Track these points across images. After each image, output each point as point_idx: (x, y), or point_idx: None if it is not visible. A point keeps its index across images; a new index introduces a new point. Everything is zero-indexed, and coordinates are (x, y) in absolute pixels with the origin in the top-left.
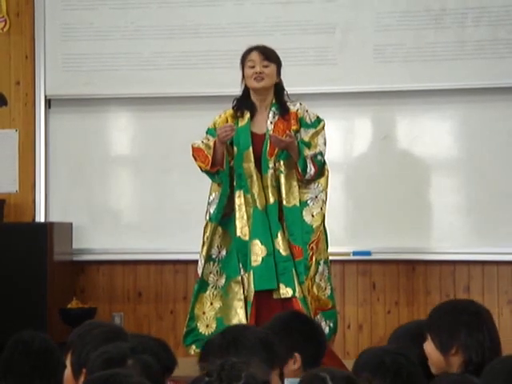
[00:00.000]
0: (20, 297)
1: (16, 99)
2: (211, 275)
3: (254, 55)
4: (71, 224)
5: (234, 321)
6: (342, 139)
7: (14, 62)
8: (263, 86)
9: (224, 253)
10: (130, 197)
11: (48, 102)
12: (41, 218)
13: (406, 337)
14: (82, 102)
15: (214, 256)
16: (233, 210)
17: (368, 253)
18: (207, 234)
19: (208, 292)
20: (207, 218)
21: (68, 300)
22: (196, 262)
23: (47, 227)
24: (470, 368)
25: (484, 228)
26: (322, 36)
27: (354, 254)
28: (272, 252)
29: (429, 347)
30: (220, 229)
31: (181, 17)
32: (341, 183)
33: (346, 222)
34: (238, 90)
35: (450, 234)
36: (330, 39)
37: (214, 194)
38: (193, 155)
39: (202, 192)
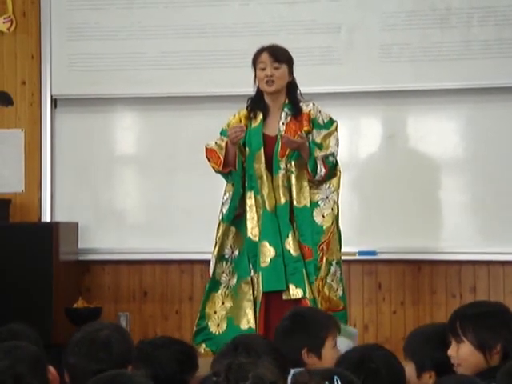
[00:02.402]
0: (26, 296)
1: (22, 99)
2: (224, 275)
3: (265, 57)
4: (77, 224)
5: (243, 321)
6: (348, 139)
7: (19, 61)
8: (275, 90)
9: (237, 253)
10: (136, 196)
11: (54, 102)
12: (46, 217)
13: (423, 340)
14: (88, 102)
15: (226, 256)
16: (245, 210)
17: (374, 253)
18: (219, 233)
19: (220, 291)
20: (220, 217)
21: (74, 300)
22: (201, 261)
23: (53, 227)
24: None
25: (490, 228)
26: (328, 36)
27: (360, 253)
28: (281, 253)
29: (465, 351)
30: (233, 229)
31: (187, 17)
32: (346, 183)
33: (351, 222)
34: (244, 90)
35: (455, 234)
36: (336, 39)
37: (227, 195)
38: (206, 156)
39: (207, 191)
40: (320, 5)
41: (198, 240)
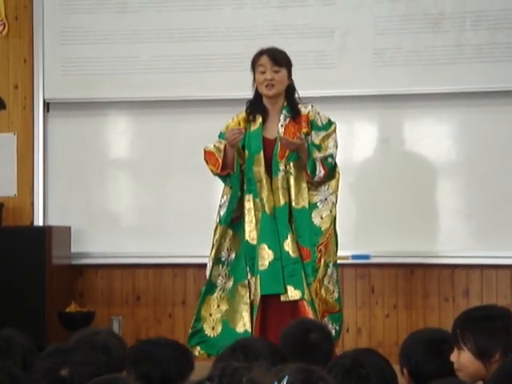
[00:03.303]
0: (18, 300)
1: (14, 103)
2: (220, 278)
3: (264, 60)
4: (70, 228)
5: (239, 324)
6: (341, 143)
7: (12, 65)
8: (274, 93)
9: (233, 256)
10: (129, 200)
11: (46, 106)
12: (39, 221)
13: (411, 341)
14: (81, 106)
15: (223, 259)
16: (243, 213)
17: (367, 256)
18: (216, 236)
19: (216, 294)
20: (217, 220)
21: (67, 304)
22: (194, 265)
23: (46, 231)
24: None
25: (483, 232)
26: (321, 40)
27: (353, 257)
28: (279, 256)
29: (465, 358)
30: (230, 232)
31: (180, 20)
32: (340, 187)
33: (344, 226)
34: (237, 94)
35: (449, 238)
36: (329, 43)
37: (225, 197)
38: (204, 159)
39: (201, 195)
40: (313, 9)
41: (191, 244)
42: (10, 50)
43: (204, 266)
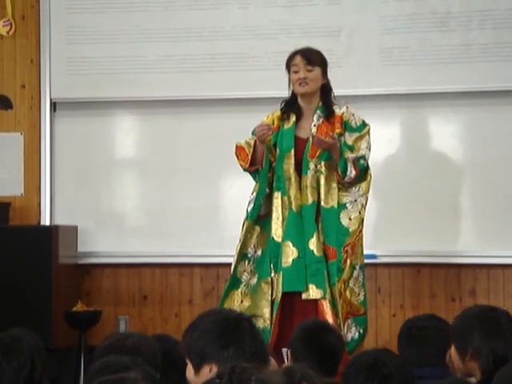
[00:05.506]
0: (25, 300)
1: (21, 102)
2: (245, 273)
3: (298, 60)
4: (76, 227)
5: (259, 320)
6: None
7: (19, 65)
8: (307, 91)
9: (259, 253)
10: (136, 200)
11: (53, 106)
12: (46, 221)
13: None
14: (87, 105)
15: (249, 255)
16: (271, 210)
17: (373, 256)
18: (243, 231)
19: (240, 290)
20: (245, 215)
21: (73, 303)
22: (200, 264)
23: (52, 230)
24: (485, 376)
25: (490, 231)
26: (327, 39)
27: None
28: (303, 255)
29: (452, 352)
30: (258, 228)
31: (186, 20)
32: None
33: None
34: (243, 93)
35: (455, 238)
36: (335, 42)
37: (254, 194)
38: (235, 154)
39: (206, 195)
40: (319, 8)
41: (197, 243)
42: (17, 49)
43: (210, 265)
